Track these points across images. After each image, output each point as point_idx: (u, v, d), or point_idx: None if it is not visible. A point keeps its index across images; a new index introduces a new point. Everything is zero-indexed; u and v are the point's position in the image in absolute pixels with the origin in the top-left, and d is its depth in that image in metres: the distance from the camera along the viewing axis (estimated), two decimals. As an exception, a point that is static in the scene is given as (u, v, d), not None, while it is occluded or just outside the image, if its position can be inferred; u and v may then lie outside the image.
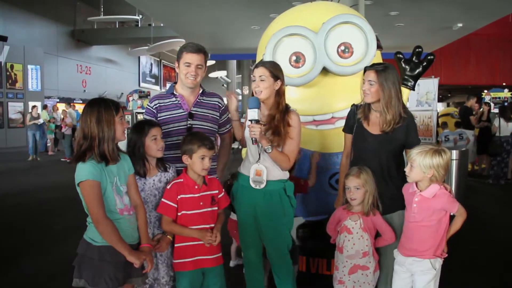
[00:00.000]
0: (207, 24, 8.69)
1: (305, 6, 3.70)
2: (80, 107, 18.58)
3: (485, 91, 15.01)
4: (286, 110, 2.55)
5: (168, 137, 2.66)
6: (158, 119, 2.71)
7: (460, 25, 8.66)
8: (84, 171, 1.94)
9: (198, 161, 2.39)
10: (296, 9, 3.70)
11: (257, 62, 3.79)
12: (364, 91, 2.56)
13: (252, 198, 2.62)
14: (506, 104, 10.61)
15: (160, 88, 28.46)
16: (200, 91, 2.81)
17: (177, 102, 2.74)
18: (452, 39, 10.02)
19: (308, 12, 3.57)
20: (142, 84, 26.41)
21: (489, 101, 10.97)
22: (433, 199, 2.31)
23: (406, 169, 2.38)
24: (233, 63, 21.96)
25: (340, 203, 2.78)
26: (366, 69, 2.61)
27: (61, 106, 14.88)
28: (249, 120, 2.46)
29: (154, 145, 2.43)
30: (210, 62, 21.14)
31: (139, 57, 26.24)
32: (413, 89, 3.49)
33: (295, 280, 2.76)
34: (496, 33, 12.04)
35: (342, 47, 3.19)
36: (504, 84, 14.74)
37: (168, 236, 2.43)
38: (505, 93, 13.65)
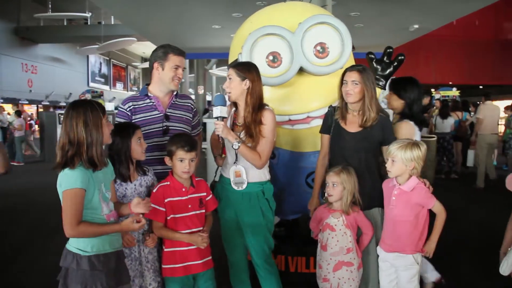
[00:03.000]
0: (167, 22, 8.51)
1: (279, 6, 3.70)
2: (27, 108, 17.72)
3: (432, 89, 15.72)
4: (258, 109, 2.54)
5: (144, 140, 2.59)
6: (133, 121, 2.64)
7: (416, 26, 9.00)
8: (73, 179, 1.84)
9: (177, 163, 2.37)
10: (270, 9, 3.69)
11: (229, 62, 3.77)
12: (347, 91, 2.59)
13: (233, 200, 2.62)
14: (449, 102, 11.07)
15: (110, 88, 27.61)
16: (174, 93, 2.77)
17: (151, 103, 2.69)
18: (408, 40, 10.41)
19: (282, 12, 3.57)
20: (91, 84, 25.48)
21: (440, 99, 11.39)
22: (411, 193, 2.40)
23: (388, 165, 2.45)
24: (185, 62, 21.57)
25: (314, 204, 2.81)
26: (347, 70, 2.66)
27: (8, 108, 14.08)
28: (214, 118, 2.50)
29: (139, 147, 2.38)
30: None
31: (87, 56, 25.34)
32: (385, 88, 3.58)
33: (279, 280, 2.76)
34: (444, 34, 12.65)
35: (319, 47, 3.22)
36: (450, 83, 15.54)
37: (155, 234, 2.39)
38: (454, 92, 14.42)
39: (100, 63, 27.73)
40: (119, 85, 28.56)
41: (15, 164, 11.17)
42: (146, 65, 23.11)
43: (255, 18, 3.64)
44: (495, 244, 2.57)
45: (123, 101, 2.75)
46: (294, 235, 3.67)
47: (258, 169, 2.55)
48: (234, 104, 2.66)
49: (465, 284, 3.61)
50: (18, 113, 11.84)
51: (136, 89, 30.26)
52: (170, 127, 2.68)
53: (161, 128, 2.67)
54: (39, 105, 20.08)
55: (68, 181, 1.84)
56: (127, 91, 28.76)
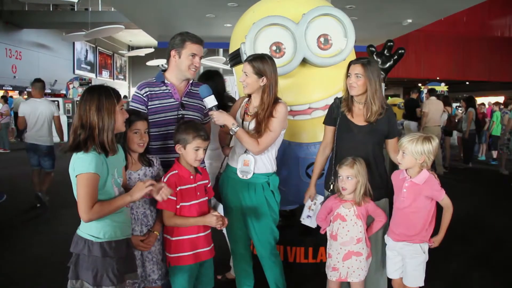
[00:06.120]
0: (159, 9, 8.36)
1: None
2: (11, 95, 17.38)
3: (419, 84, 15.88)
4: (272, 104, 2.53)
5: (157, 127, 2.57)
6: (149, 107, 2.59)
7: (409, 20, 9.08)
8: (87, 163, 1.82)
9: (192, 152, 2.32)
10: (272, -1, 3.67)
11: (230, 52, 3.74)
12: (350, 84, 2.59)
13: (238, 190, 2.62)
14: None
15: (96, 76, 27.19)
16: (190, 81, 2.74)
17: (168, 91, 2.65)
18: (400, 34, 10.49)
19: (285, 2, 3.55)
20: (77, 71, 25.03)
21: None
22: (422, 185, 2.43)
23: (398, 157, 2.48)
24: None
25: (311, 192, 2.83)
26: (351, 63, 2.65)
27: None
28: (208, 109, 2.51)
29: (135, 138, 2.32)
30: (149, 50, 20.54)
31: (73, 43, 24.88)
32: (384, 82, 3.62)
33: (283, 271, 2.78)
34: (433, 30, 12.77)
35: (322, 39, 3.22)
36: (438, 78, 15.72)
37: (155, 232, 2.35)
38: (442, 87, 14.59)
39: (86, 50, 27.27)
40: (105, 73, 28.12)
41: (0, 151, 10.98)
42: (133, 53, 22.84)
43: (257, 8, 3.63)
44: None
45: (139, 86, 2.68)
46: (292, 225, 3.69)
47: (254, 154, 2.55)
48: (248, 95, 2.65)
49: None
50: (5, 99, 11.59)
51: (122, 77, 29.87)
52: (185, 116, 2.65)
53: (176, 116, 2.63)
54: (23, 92, 19.68)
55: (81, 165, 1.82)
56: (113, 79, 28.36)
